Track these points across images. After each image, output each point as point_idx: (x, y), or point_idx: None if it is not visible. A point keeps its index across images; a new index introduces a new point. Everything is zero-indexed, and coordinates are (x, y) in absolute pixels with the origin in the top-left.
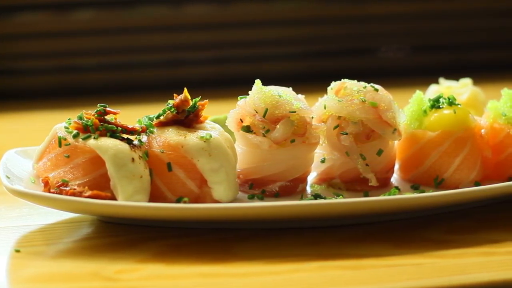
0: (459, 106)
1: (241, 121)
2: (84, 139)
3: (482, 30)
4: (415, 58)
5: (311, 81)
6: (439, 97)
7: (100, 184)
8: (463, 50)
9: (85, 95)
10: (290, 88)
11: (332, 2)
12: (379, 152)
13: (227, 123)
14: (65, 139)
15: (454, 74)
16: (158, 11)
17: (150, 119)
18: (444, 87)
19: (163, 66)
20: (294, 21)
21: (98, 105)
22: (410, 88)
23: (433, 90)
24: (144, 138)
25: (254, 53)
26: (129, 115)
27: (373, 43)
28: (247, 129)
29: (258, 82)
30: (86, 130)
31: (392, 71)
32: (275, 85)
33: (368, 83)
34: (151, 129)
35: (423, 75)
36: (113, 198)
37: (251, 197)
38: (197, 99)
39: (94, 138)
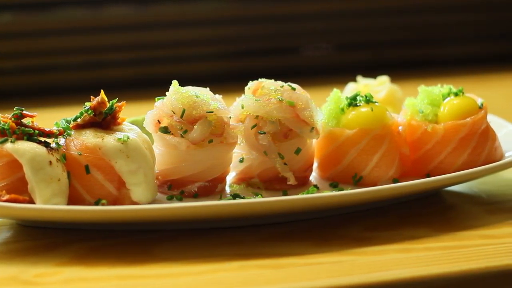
0: (376, 103)
1: (159, 122)
2: (1, 143)
3: (399, 28)
4: (335, 57)
5: (229, 81)
6: (356, 95)
7: (18, 187)
8: (380, 48)
9: (2, 99)
10: (208, 89)
11: (251, 1)
12: (297, 151)
13: (144, 124)
14: None
15: (372, 72)
16: (77, 13)
17: (68, 121)
18: (361, 85)
19: (82, 68)
20: (211, 21)
21: (14, 109)
22: (329, 87)
23: (351, 88)
24: (61, 141)
25: (172, 54)
26: (46, 118)
27: (293, 42)
28: (165, 130)
29: (175, 82)
30: (2, 133)
31: (312, 70)
32: (193, 85)
33: (288, 82)
34: (69, 131)
35: (343, 74)
36: (31, 201)
37: (170, 198)
38: (114, 100)
39: (11, 141)
